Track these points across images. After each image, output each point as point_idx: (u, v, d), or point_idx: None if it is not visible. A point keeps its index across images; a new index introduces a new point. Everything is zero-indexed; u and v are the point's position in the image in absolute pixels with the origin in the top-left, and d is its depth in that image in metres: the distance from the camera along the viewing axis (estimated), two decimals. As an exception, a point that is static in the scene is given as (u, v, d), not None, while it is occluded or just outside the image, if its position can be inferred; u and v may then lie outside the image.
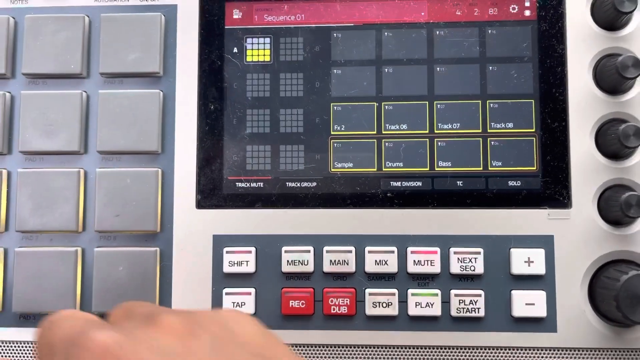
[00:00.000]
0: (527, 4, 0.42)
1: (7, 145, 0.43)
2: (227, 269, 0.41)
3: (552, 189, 0.41)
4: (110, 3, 0.44)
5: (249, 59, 0.43)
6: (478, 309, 0.40)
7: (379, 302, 0.40)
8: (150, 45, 0.43)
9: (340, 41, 0.42)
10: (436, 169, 0.41)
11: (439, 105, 0.42)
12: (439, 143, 0.42)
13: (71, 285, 0.41)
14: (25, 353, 0.42)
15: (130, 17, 0.43)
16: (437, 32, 0.42)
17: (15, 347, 0.42)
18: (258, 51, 0.43)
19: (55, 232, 0.42)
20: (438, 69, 0.42)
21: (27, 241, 0.42)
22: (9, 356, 0.42)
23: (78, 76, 0.43)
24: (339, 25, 0.43)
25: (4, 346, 0.42)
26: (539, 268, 0.40)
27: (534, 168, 0.41)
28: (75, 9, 0.44)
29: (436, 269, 0.40)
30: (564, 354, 0.40)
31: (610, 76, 0.40)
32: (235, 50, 0.43)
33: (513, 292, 0.40)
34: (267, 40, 0.43)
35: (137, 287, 0.41)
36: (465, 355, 0.40)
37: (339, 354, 0.41)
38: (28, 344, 0.42)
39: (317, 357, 0.41)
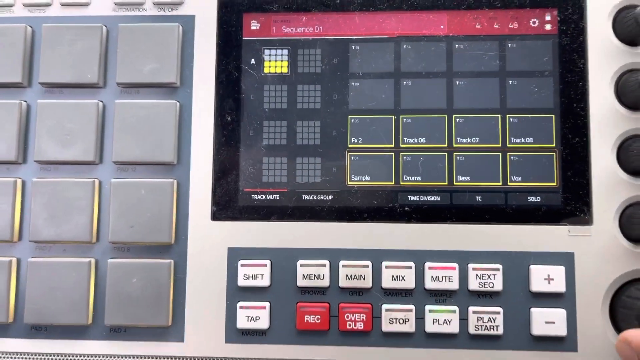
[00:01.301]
0: (548, 18, 0.42)
1: (23, 154, 0.43)
2: (241, 282, 0.41)
3: (572, 205, 0.40)
4: (128, 13, 0.44)
5: (266, 70, 0.43)
6: (497, 326, 0.39)
7: (396, 319, 0.40)
8: (168, 55, 0.43)
9: (358, 53, 0.42)
10: (455, 183, 0.41)
11: (458, 119, 0.41)
12: (458, 157, 0.41)
13: (84, 296, 0.41)
14: (37, 365, 0.41)
15: (148, 28, 0.43)
16: (457, 45, 0.42)
17: (26, 358, 0.42)
18: (276, 62, 0.43)
19: (69, 242, 0.42)
20: (457, 82, 0.42)
21: (40, 251, 0.42)
22: (20, 368, 0.41)
23: (95, 86, 0.43)
24: (358, 38, 0.42)
25: (15, 358, 0.42)
26: (559, 286, 0.40)
27: (555, 184, 0.41)
28: (93, 18, 0.44)
29: (454, 285, 0.40)
30: (585, 374, 0.39)
31: (632, 92, 0.40)
32: (252, 61, 0.43)
33: (532, 309, 0.40)
34: (285, 51, 0.43)
35: (150, 299, 0.41)
36: (483, 374, 0.40)
37: (354, 370, 0.40)
38: (39, 355, 0.42)
39: (332, 373, 0.40)
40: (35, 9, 0.44)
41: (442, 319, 0.40)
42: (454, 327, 0.40)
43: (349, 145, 0.42)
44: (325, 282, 0.41)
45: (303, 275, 0.41)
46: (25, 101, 0.43)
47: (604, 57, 0.41)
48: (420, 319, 0.40)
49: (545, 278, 0.40)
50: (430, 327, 0.40)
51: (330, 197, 0.42)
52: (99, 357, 0.41)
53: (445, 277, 0.40)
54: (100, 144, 0.43)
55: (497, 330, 0.39)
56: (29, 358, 0.42)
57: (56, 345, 0.41)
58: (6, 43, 0.43)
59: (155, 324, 0.41)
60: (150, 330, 0.41)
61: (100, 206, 0.42)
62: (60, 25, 0.43)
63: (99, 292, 0.42)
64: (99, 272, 0.42)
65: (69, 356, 0.41)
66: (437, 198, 0.41)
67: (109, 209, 0.42)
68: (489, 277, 0.40)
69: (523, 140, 0.41)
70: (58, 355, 0.41)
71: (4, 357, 0.42)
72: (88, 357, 0.41)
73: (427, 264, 0.40)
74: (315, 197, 0.42)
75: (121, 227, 0.41)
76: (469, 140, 0.41)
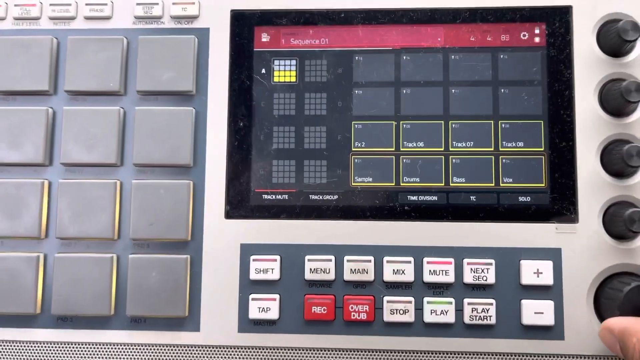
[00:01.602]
0: (537, 31, 0.45)
1: (49, 157, 0.46)
2: (253, 275, 0.43)
3: (560, 204, 0.43)
4: (147, 26, 0.47)
5: (276, 79, 0.45)
6: (490, 317, 0.42)
7: (396, 310, 0.42)
8: (184, 65, 0.45)
9: (361, 64, 0.45)
10: (451, 184, 0.44)
11: (453, 125, 0.44)
12: (454, 160, 0.44)
13: (107, 289, 0.43)
14: (63, 353, 0.44)
15: (166, 40, 0.46)
16: (453, 56, 0.45)
17: (53, 347, 0.44)
18: (284, 72, 0.45)
19: (93, 239, 0.44)
20: (453, 90, 0.44)
21: (66, 247, 0.45)
22: (47, 356, 0.44)
23: (116, 93, 0.46)
24: (361, 49, 0.45)
25: (43, 346, 0.44)
26: (548, 279, 0.42)
27: (543, 185, 0.43)
28: (115, 31, 0.47)
29: (450, 278, 0.42)
30: (571, 360, 0.42)
31: (614, 100, 0.42)
32: (263, 71, 0.46)
33: (523, 301, 0.42)
34: (293, 62, 0.46)
35: (168, 291, 0.43)
36: (478, 361, 0.42)
37: (358, 357, 0.43)
38: (65, 344, 0.44)
39: (337, 360, 0.43)
40: (60, 22, 0.47)
41: (439, 309, 0.42)
42: (450, 318, 0.42)
43: (353, 149, 0.45)
44: (331, 276, 0.43)
45: (310, 269, 0.43)
46: (52, 108, 0.46)
47: (589, 68, 0.44)
48: (419, 309, 0.42)
49: (534, 272, 0.42)
50: (428, 318, 0.42)
51: (335, 197, 0.44)
52: (121, 345, 0.44)
53: (442, 271, 0.42)
54: (121, 147, 0.45)
55: (490, 320, 0.42)
56: (56, 347, 0.44)
57: (81, 334, 0.44)
58: (34, 54, 0.46)
59: (172, 315, 0.43)
60: (168, 321, 0.44)
61: (121, 205, 0.45)
62: (84, 37, 0.46)
63: (120, 285, 0.44)
64: (121, 266, 0.44)
65: (93, 345, 0.44)
66: (435, 198, 0.44)
67: (129, 208, 0.44)
68: (482, 271, 0.42)
69: (514, 144, 0.44)
70: (83, 344, 0.44)
71: (33, 346, 0.44)
72: (110, 345, 0.44)
73: (425, 259, 0.43)
74: (321, 197, 0.44)
75: (141, 224, 0.44)
76: (464, 145, 0.44)
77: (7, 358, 0.44)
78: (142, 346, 0.44)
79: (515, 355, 0.42)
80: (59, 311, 0.43)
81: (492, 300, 0.42)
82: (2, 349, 0.44)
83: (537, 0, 0.45)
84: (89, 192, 0.44)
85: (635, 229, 0.40)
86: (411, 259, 0.43)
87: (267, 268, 0.43)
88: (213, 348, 0.43)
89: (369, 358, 0.43)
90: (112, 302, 0.44)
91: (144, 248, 0.44)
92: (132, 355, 0.44)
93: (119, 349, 0.44)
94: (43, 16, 0.47)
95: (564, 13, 0.44)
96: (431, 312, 0.42)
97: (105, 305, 0.43)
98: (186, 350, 0.43)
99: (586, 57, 0.44)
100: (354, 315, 0.42)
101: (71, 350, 0.44)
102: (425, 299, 0.42)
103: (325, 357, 0.43)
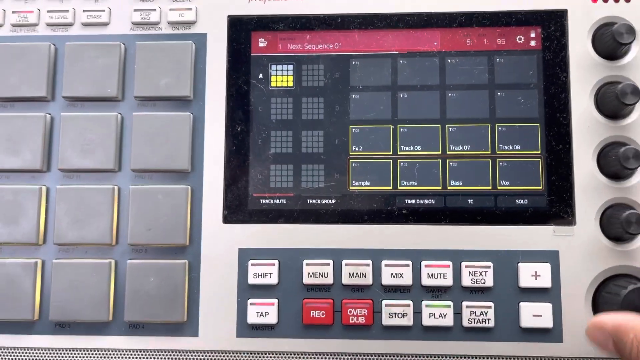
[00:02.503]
0: (533, 34, 0.45)
1: (47, 163, 0.46)
2: (251, 280, 0.43)
3: (557, 207, 0.43)
4: (144, 32, 0.47)
5: (273, 84, 0.46)
6: (488, 319, 0.42)
7: (395, 313, 0.42)
8: (182, 71, 0.45)
9: (358, 68, 0.45)
10: (448, 187, 0.44)
11: (450, 128, 0.44)
12: (451, 163, 0.44)
13: (105, 295, 0.44)
14: (61, 359, 0.44)
15: (163, 45, 0.46)
16: (449, 60, 0.45)
17: (51, 353, 0.44)
18: (282, 77, 0.46)
19: (91, 244, 0.44)
20: (449, 94, 0.45)
21: (64, 253, 0.45)
22: (45, 362, 0.44)
23: (114, 99, 0.46)
24: (358, 54, 0.46)
25: (41, 353, 0.44)
26: (546, 281, 0.42)
27: (540, 187, 0.44)
28: (112, 37, 0.47)
29: (448, 281, 0.43)
30: (570, 363, 0.42)
31: (610, 102, 0.42)
32: (260, 76, 0.46)
33: (521, 304, 0.42)
34: (290, 67, 0.46)
35: (166, 297, 0.43)
36: (476, 364, 0.43)
37: (356, 362, 0.43)
38: (63, 350, 0.44)
39: (336, 364, 0.43)
40: (58, 28, 0.47)
41: (437, 313, 0.42)
42: (448, 321, 0.42)
43: (350, 153, 0.45)
44: (329, 280, 0.43)
45: (308, 273, 0.43)
46: (50, 114, 0.46)
47: (585, 71, 0.44)
48: (417, 313, 0.42)
49: (532, 274, 0.42)
50: (427, 321, 0.42)
51: (333, 201, 0.44)
52: (119, 351, 0.44)
53: (440, 274, 0.43)
54: (119, 153, 0.46)
55: (488, 323, 0.42)
56: (54, 353, 0.44)
57: (79, 340, 0.44)
58: (31, 60, 0.46)
59: (171, 320, 0.43)
60: (166, 326, 0.44)
61: (119, 211, 0.45)
62: (81, 43, 0.46)
63: (118, 291, 0.44)
64: (119, 272, 0.44)
65: (91, 350, 0.44)
66: (432, 201, 0.44)
67: (127, 213, 0.44)
68: (480, 274, 0.42)
69: (511, 147, 0.44)
70: (81, 350, 0.44)
71: (31, 353, 0.44)
72: (109, 351, 0.44)
73: (424, 262, 0.43)
74: (319, 201, 0.44)
75: (139, 230, 0.44)
76: (460, 148, 0.44)
77: (5, 365, 0.44)
78: (140, 352, 0.44)
79: (514, 358, 0.42)
80: (57, 317, 0.44)
81: (491, 303, 0.42)
82: (1, 355, 0.44)
83: (533, 4, 0.45)
84: (87, 198, 0.45)
85: (632, 231, 0.40)
86: (409, 262, 0.43)
87: (266, 272, 0.43)
88: (212, 353, 0.43)
89: (367, 362, 0.43)
90: (111, 308, 0.44)
91: (142, 253, 0.45)
92: (131, 360, 0.44)
93: (117, 354, 0.44)
94: (41, 23, 0.48)
95: (559, 17, 0.45)
96: (430, 316, 0.42)
97: (103, 310, 0.43)
98: (185, 355, 0.44)
99: (582, 60, 0.44)
100: (352, 319, 0.43)
101: (69, 357, 0.44)
102: (424, 303, 0.43)
103: (324, 361, 0.43)
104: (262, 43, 0.46)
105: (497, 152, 0.44)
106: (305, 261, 0.43)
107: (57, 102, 0.47)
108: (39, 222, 0.45)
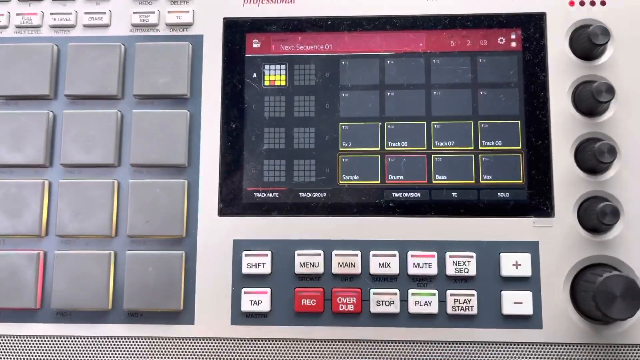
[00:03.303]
0: (513, 36, 0.47)
1: (50, 158, 0.47)
2: (245, 270, 0.45)
3: (536, 200, 0.45)
4: (143, 33, 0.49)
5: (266, 83, 0.48)
6: (471, 307, 0.44)
7: (382, 301, 0.44)
8: (179, 70, 0.47)
9: (348, 68, 0.47)
10: (433, 181, 0.46)
11: (435, 125, 0.46)
12: (436, 158, 0.46)
13: (105, 284, 0.45)
14: (62, 346, 0.45)
15: (162, 46, 0.48)
16: (434, 60, 0.47)
17: (53, 341, 0.46)
18: (275, 76, 0.48)
19: (91, 236, 0.46)
20: (435, 93, 0.47)
21: (65, 245, 0.46)
22: (47, 349, 0.46)
23: (114, 97, 0.48)
24: (347, 54, 0.47)
25: (43, 340, 0.46)
26: (526, 271, 0.44)
27: (521, 181, 0.45)
28: (113, 38, 0.49)
29: (433, 271, 0.44)
30: (549, 348, 0.43)
31: (586, 100, 0.44)
32: (254, 75, 0.48)
33: (503, 292, 0.44)
34: (283, 66, 0.48)
35: (164, 286, 0.45)
36: (460, 350, 0.44)
37: (346, 348, 0.44)
38: (65, 338, 0.46)
39: (327, 350, 0.45)
40: (61, 29, 0.49)
41: (423, 301, 0.44)
42: (433, 308, 0.44)
43: (340, 149, 0.46)
44: (320, 270, 0.45)
45: (300, 263, 0.45)
46: (52, 111, 0.48)
47: (562, 70, 0.46)
48: (404, 301, 0.44)
49: (513, 264, 0.44)
50: (413, 308, 0.44)
51: (324, 194, 0.46)
52: (119, 338, 0.45)
53: (426, 264, 0.44)
54: (119, 148, 0.47)
55: (471, 310, 0.44)
56: (56, 340, 0.46)
57: (80, 328, 0.45)
58: (35, 60, 0.48)
59: (168, 309, 0.44)
60: (164, 314, 0.45)
61: (119, 204, 0.46)
62: (83, 44, 0.48)
63: (118, 281, 0.46)
64: (118, 262, 0.46)
65: (92, 338, 0.45)
66: (418, 195, 0.46)
67: (127, 206, 0.46)
68: (464, 263, 0.44)
69: (493, 143, 0.46)
70: (81, 338, 0.45)
71: (33, 340, 0.46)
72: (108, 338, 0.45)
73: (410, 253, 0.44)
74: (310, 195, 0.46)
75: (138, 222, 0.45)
76: (445, 144, 0.46)
77: (9, 351, 0.46)
78: (138, 339, 0.45)
79: (496, 344, 0.44)
80: (58, 306, 0.45)
81: (474, 292, 0.44)
82: (4, 342, 0.46)
83: (513, 7, 0.47)
84: (88, 192, 0.46)
85: (607, 222, 0.42)
86: (396, 252, 0.44)
87: (259, 263, 0.45)
88: (207, 340, 0.45)
89: (356, 348, 0.44)
90: (110, 297, 0.45)
91: (141, 245, 0.46)
92: (129, 347, 0.45)
93: (116, 341, 0.45)
94: (44, 24, 0.49)
95: (539, 19, 0.47)
96: (415, 303, 0.44)
97: (103, 299, 0.45)
98: (181, 342, 0.45)
99: (560, 61, 0.46)
100: (342, 307, 0.44)
101: (70, 344, 0.45)
102: (410, 291, 0.44)
103: (315, 347, 0.45)
104: (256, 44, 0.48)
105: (480, 148, 0.46)
106: (297, 252, 0.45)
107: (60, 100, 0.48)
108: (42, 215, 0.46)
